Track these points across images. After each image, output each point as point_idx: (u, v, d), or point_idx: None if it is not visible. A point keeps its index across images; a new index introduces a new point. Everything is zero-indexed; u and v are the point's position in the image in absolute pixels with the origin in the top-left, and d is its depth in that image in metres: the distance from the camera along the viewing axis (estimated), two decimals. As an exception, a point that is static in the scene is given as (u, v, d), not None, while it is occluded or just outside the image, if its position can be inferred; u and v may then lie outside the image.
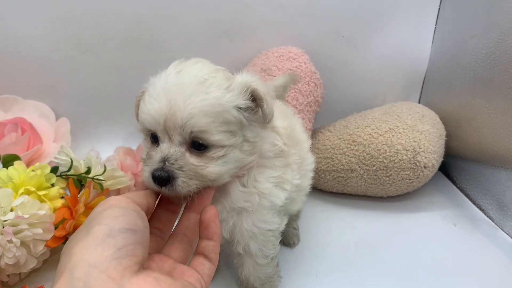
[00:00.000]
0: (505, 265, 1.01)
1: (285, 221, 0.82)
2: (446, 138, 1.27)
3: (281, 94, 1.06)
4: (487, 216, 1.18)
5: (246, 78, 0.65)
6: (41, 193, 0.90)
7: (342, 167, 1.23)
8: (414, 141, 1.15)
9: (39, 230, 0.85)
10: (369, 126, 1.23)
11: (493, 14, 1.10)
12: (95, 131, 1.41)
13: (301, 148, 0.86)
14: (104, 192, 1.01)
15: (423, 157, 1.14)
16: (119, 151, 1.19)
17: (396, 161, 1.16)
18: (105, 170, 1.01)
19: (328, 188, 1.29)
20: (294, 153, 0.80)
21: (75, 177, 1.00)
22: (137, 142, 1.24)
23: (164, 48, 1.32)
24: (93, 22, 1.27)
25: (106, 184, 1.02)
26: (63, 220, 0.91)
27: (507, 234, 1.10)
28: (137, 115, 0.68)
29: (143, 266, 0.46)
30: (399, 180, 1.18)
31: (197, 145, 0.61)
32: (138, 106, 0.67)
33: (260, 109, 0.65)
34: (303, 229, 1.12)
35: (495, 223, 1.15)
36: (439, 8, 1.37)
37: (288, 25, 1.37)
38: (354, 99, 1.49)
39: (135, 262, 0.44)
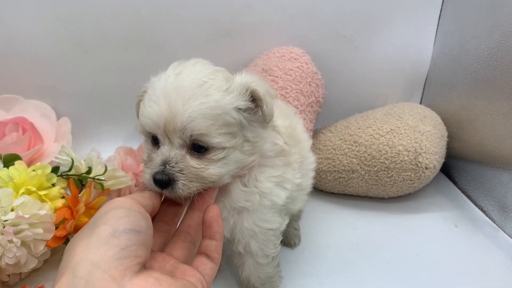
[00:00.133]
0: (507, 267, 1.01)
1: (286, 221, 0.82)
2: (447, 139, 1.26)
3: None
4: (489, 218, 1.18)
5: (245, 79, 0.65)
6: (41, 193, 0.90)
7: (343, 167, 1.23)
8: (416, 142, 1.15)
9: (40, 230, 0.85)
10: (371, 127, 1.22)
11: (496, 15, 1.10)
12: (96, 131, 1.41)
13: (302, 147, 0.86)
14: (105, 192, 1.01)
15: (425, 158, 1.13)
16: (120, 151, 1.19)
17: (397, 162, 1.15)
18: (106, 170, 1.01)
19: (329, 188, 1.29)
20: (295, 152, 0.80)
21: (76, 177, 1.00)
22: (138, 142, 1.24)
23: (165, 48, 1.32)
24: (94, 22, 1.27)
25: (107, 184, 1.02)
26: (64, 220, 0.90)
27: (508, 235, 1.10)
28: (137, 114, 0.68)
29: (145, 266, 0.46)
30: (400, 181, 1.17)
31: (198, 148, 0.62)
32: (138, 105, 0.67)
33: (260, 109, 0.65)
34: (304, 230, 1.12)
35: (497, 225, 1.14)
36: (441, 9, 1.37)
37: (289, 26, 1.36)
38: (355, 100, 1.48)
39: (137, 262, 0.44)
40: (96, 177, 1.00)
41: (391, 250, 1.06)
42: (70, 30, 1.27)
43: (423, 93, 1.50)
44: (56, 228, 0.89)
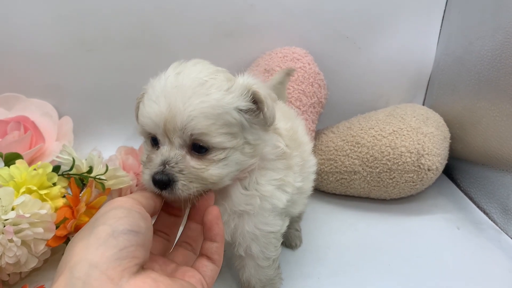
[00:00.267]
0: (509, 269, 1.00)
1: (286, 223, 0.81)
2: (450, 141, 1.26)
3: (280, 91, 1.05)
4: (491, 220, 1.17)
5: (247, 80, 0.64)
6: (42, 192, 0.90)
7: (345, 169, 1.22)
8: (418, 144, 1.14)
9: (40, 230, 0.85)
10: (373, 128, 1.22)
11: (499, 16, 1.09)
12: (97, 130, 1.41)
13: (304, 150, 0.86)
14: (106, 192, 1.01)
15: (427, 160, 1.13)
16: (121, 150, 1.19)
17: (399, 163, 1.15)
18: (107, 170, 1.01)
19: (331, 190, 1.28)
20: (296, 155, 0.79)
21: (77, 177, 0.99)
22: (139, 141, 1.24)
23: (168, 48, 1.32)
24: (97, 21, 1.27)
25: (108, 184, 1.02)
26: (64, 220, 0.90)
27: (511, 238, 1.09)
28: (137, 116, 0.67)
29: (143, 267, 0.46)
30: (402, 183, 1.17)
31: (198, 148, 0.61)
32: (138, 108, 0.67)
33: (261, 112, 0.65)
34: (305, 231, 1.11)
35: (499, 227, 1.14)
36: (445, 10, 1.36)
37: (292, 26, 1.36)
38: (358, 101, 1.48)
39: (135, 263, 0.44)
40: (97, 177, 0.99)
41: (392, 252, 1.06)
42: (73, 29, 1.27)
43: (426, 94, 1.50)
44: (57, 227, 0.89)
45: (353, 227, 1.16)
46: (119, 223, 0.46)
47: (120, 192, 1.08)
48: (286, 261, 1.01)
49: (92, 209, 0.96)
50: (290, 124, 0.82)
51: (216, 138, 0.60)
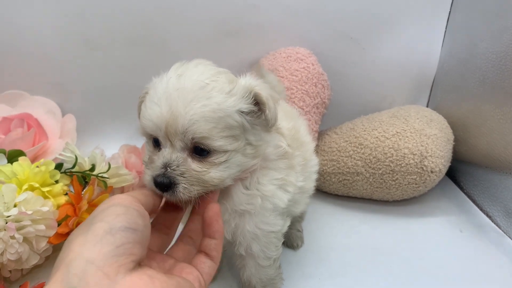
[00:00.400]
0: (511, 273, 1.00)
1: (287, 223, 0.81)
2: (454, 143, 1.25)
3: None
4: (494, 223, 1.16)
5: (249, 82, 0.64)
6: (45, 189, 0.90)
7: (348, 169, 1.22)
8: (422, 145, 1.14)
9: (42, 227, 0.85)
10: (376, 129, 1.21)
11: (505, 18, 1.09)
12: (100, 128, 1.41)
13: (305, 150, 0.86)
14: (108, 189, 1.01)
15: (430, 162, 1.12)
16: (124, 149, 1.19)
17: (402, 165, 1.14)
18: (109, 168, 1.01)
19: (333, 190, 1.28)
20: (298, 155, 0.79)
21: (79, 174, 1.00)
22: (142, 140, 1.22)
23: (171, 48, 1.32)
24: (101, 20, 1.27)
25: (110, 182, 1.02)
26: (66, 217, 0.91)
27: (514, 241, 1.09)
28: (139, 115, 0.67)
29: (140, 264, 0.46)
30: (405, 185, 1.16)
31: (199, 150, 0.61)
32: (140, 106, 0.67)
33: (263, 113, 0.64)
34: (307, 232, 1.11)
35: (502, 230, 1.13)
36: (450, 12, 1.35)
37: (296, 26, 1.36)
38: (361, 102, 1.48)
39: (132, 260, 0.44)
40: (99, 175, 1.00)
41: (394, 254, 1.05)
42: (77, 27, 1.27)
43: (430, 96, 1.49)
44: (59, 225, 0.89)
45: (355, 229, 1.16)
46: (117, 220, 0.46)
47: (122, 190, 1.08)
48: (288, 261, 1.01)
49: (94, 207, 0.96)
50: (292, 123, 0.82)
51: (217, 142, 0.60)
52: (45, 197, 0.90)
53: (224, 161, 0.62)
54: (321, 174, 1.25)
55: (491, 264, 1.03)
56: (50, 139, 1.25)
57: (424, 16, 1.38)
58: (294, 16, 1.34)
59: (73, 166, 1.00)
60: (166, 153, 0.61)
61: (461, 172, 1.35)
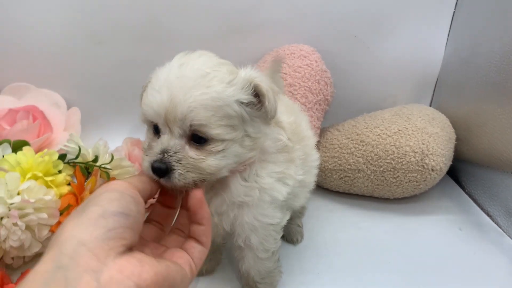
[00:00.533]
0: (510, 272, 1.00)
1: (287, 216, 0.82)
2: (456, 142, 1.25)
3: (276, 80, 1.06)
4: (495, 223, 1.16)
5: (249, 73, 0.65)
6: (48, 179, 0.91)
7: (349, 166, 1.22)
8: (423, 144, 1.14)
9: (44, 215, 0.86)
10: (378, 127, 1.22)
11: (509, 18, 1.09)
12: (105, 122, 1.42)
13: (306, 144, 0.86)
14: (110, 181, 1.02)
15: (431, 160, 1.13)
16: (128, 141, 1.20)
17: (403, 162, 1.15)
18: (112, 159, 1.02)
19: (334, 187, 1.29)
20: (298, 148, 0.79)
21: (82, 165, 1.01)
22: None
23: (176, 43, 1.33)
24: (106, 14, 1.28)
25: (113, 174, 1.03)
26: (69, 207, 0.92)
27: (513, 241, 1.09)
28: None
29: (132, 249, 0.47)
30: (406, 182, 1.17)
31: (197, 138, 0.61)
32: (142, 94, 0.68)
33: (262, 105, 0.65)
34: (307, 227, 1.12)
35: (502, 230, 1.13)
36: (454, 11, 1.36)
37: (301, 24, 1.36)
38: (364, 100, 1.48)
39: (122, 244, 0.45)
40: (102, 166, 1.01)
41: (393, 251, 1.05)
42: (84, 21, 1.29)
43: (433, 95, 1.49)
44: (61, 214, 0.90)
45: (356, 225, 1.16)
46: (111, 205, 0.47)
47: (124, 183, 1.09)
48: (287, 256, 1.02)
49: (96, 197, 0.97)
50: (293, 118, 0.83)
51: (215, 130, 0.60)
52: (48, 187, 0.91)
53: (221, 150, 0.62)
54: (322, 170, 1.25)
55: (489, 262, 1.03)
56: (55, 131, 1.27)
57: (429, 15, 1.38)
58: (299, 14, 1.34)
59: (76, 157, 1.01)
60: (165, 140, 0.61)
61: (463, 172, 1.35)
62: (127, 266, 0.43)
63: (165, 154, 0.60)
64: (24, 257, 0.92)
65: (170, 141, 0.61)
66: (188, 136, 0.62)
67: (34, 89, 1.32)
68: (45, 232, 0.88)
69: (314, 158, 0.92)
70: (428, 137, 1.15)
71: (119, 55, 1.35)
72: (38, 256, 0.95)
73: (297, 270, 0.99)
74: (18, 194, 0.84)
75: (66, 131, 1.28)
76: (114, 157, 1.03)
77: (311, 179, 0.90)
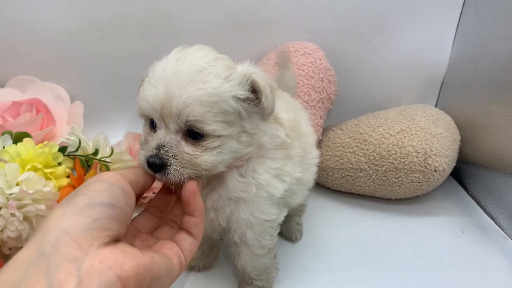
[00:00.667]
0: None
1: (284, 213, 0.81)
2: (460, 144, 1.23)
3: (287, 77, 1.08)
4: (497, 225, 1.15)
5: (247, 69, 0.64)
6: (47, 170, 0.92)
7: (351, 166, 1.21)
8: (426, 144, 1.13)
9: (43, 207, 0.86)
10: (381, 126, 1.21)
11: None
12: (107, 116, 1.42)
13: (305, 141, 0.85)
14: (106, 173, 1.02)
15: (434, 161, 1.11)
16: (129, 136, 1.20)
17: (406, 162, 1.13)
18: (112, 153, 1.02)
19: (336, 186, 1.28)
20: (297, 145, 0.79)
21: (82, 158, 1.01)
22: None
23: (180, 38, 1.30)
24: (112, 9, 1.28)
25: (112, 167, 1.03)
26: (67, 199, 0.92)
27: (516, 244, 1.08)
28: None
29: (119, 241, 0.46)
30: (408, 183, 1.15)
31: (193, 134, 0.61)
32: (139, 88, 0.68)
33: (259, 101, 0.64)
34: (307, 225, 1.11)
35: (505, 232, 1.12)
36: (461, 11, 1.34)
37: (306, 21, 1.35)
38: (369, 99, 1.47)
39: (107, 235, 0.44)
40: (102, 159, 1.01)
41: (393, 251, 1.05)
42: (88, 15, 1.29)
43: (439, 96, 1.48)
44: (59, 206, 0.90)
45: (356, 225, 1.15)
46: (98, 196, 0.46)
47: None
48: (285, 253, 1.01)
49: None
50: (292, 115, 0.82)
51: (211, 126, 0.60)
52: (47, 178, 0.91)
53: (217, 146, 0.62)
54: (324, 169, 1.25)
55: (491, 265, 1.02)
56: (58, 125, 1.27)
57: (435, 15, 1.36)
58: (304, 11, 1.34)
59: (77, 150, 1.01)
60: (160, 135, 0.61)
61: (467, 174, 1.33)
62: (109, 256, 0.42)
63: (161, 149, 0.60)
64: (21, 247, 0.92)
65: (165, 136, 0.61)
66: (184, 132, 0.61)
67: (38, 83, 1.33)
68: (43, 224, 0.88)
69: (314, 155, 0.91)
70: (431, 137, 1.14)
71: (123, 50, 1.35)
72: (36, 247, 0.95)
73: (295, 267, 0.98)
74: (17, 185, 0.84)
75: (69, 125, 1.29)
76: (115, 151, 1.03)
77: (309, 177, 0.90)
